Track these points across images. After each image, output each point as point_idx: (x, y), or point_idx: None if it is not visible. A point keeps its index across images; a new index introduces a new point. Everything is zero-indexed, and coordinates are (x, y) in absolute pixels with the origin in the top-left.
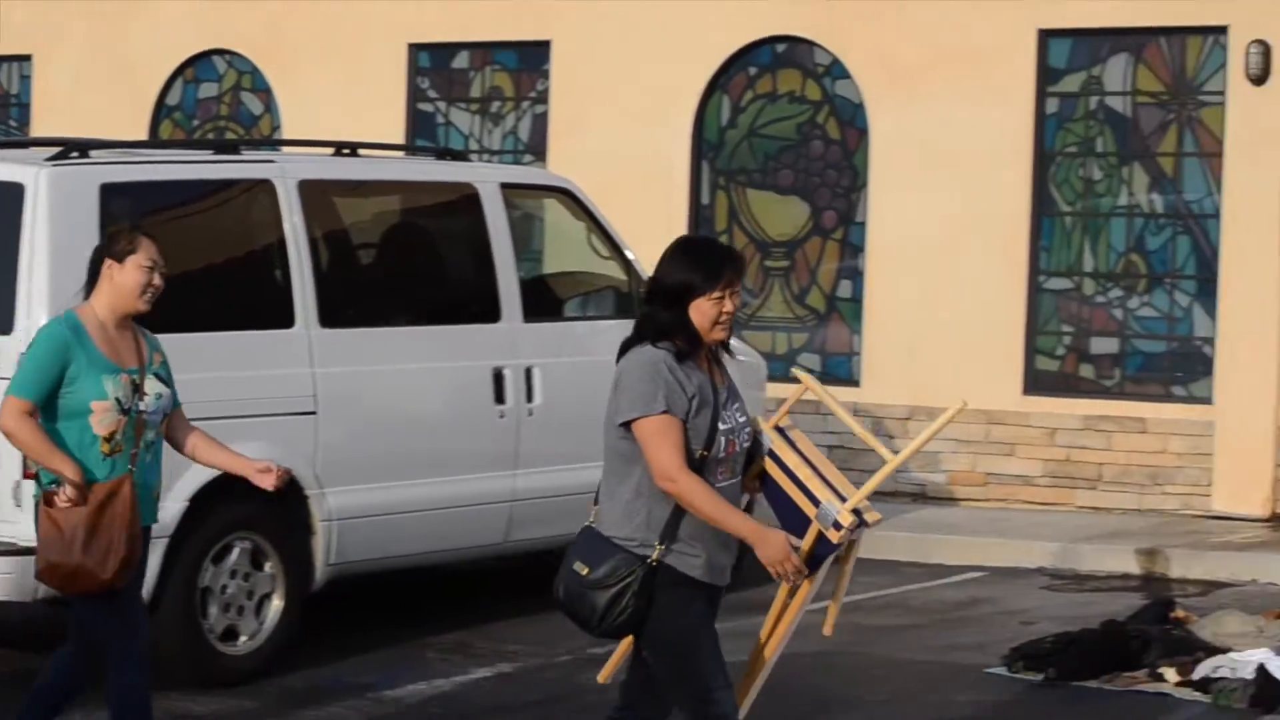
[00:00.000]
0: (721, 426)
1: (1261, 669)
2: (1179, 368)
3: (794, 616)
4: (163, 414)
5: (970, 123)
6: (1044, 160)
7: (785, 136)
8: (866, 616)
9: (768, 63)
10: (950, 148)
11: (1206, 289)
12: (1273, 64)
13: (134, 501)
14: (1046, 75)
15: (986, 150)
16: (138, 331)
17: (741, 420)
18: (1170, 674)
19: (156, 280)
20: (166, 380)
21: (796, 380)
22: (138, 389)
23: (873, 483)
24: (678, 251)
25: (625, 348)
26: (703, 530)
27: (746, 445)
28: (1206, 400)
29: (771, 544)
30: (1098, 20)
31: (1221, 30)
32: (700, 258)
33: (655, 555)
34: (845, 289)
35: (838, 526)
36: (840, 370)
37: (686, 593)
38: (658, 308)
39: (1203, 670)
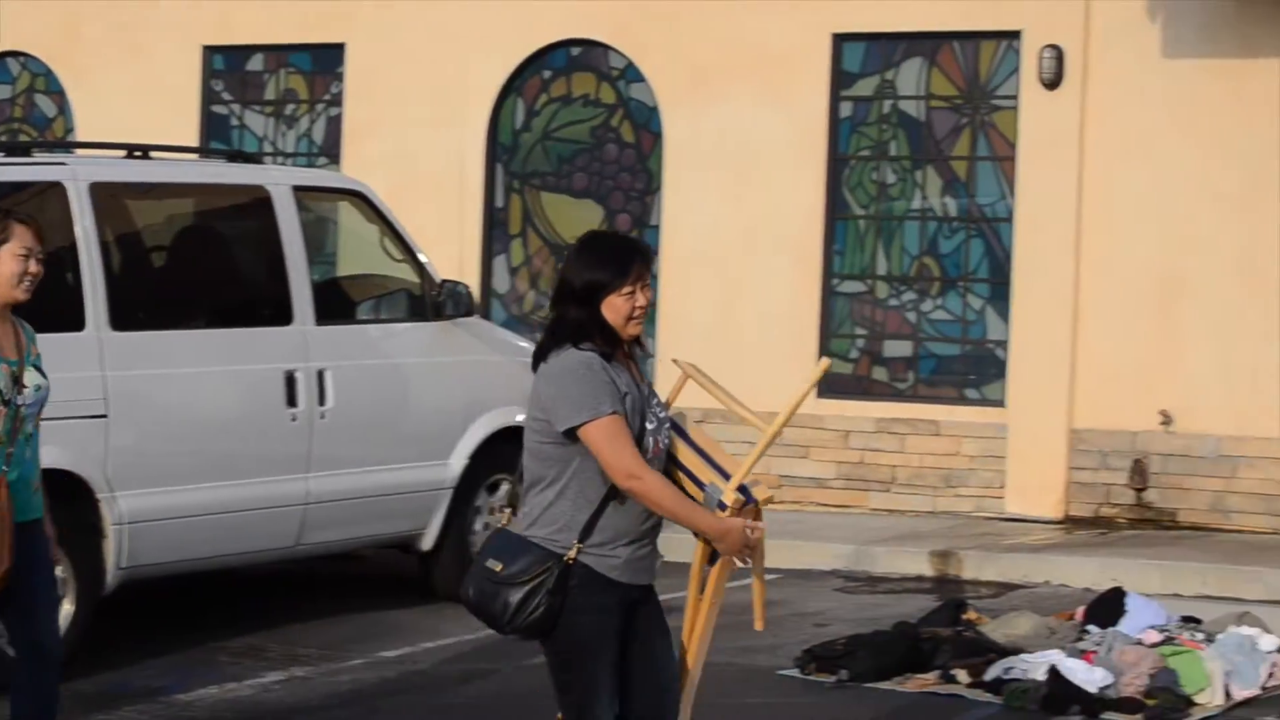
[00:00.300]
0: (649, 426)
1: (1053, 670)
2: (972, 370)
3: (708, 615)
4: (40, 406)
5: (764, 126)
6: (837, 164)
7: (579, 139)
8: None
9: (563, 66)
10: (744, 151)
11: (999, 292)
12: (1065, 69)
13: (10, 504)
14: (840, 79)
15: (780, 154)
16: (16, 323)
17: (663, 416)
18: (962, 675)
19: (33, 267)
20: (44, 373)
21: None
22: (17, 381)
23: (752, 458)
24: (583, 250)
25: (541, 352)
26: (624, 529)
27: (667, 444)
28: (999, 403)
29: (733, 535)
30: (892, 24)
31: (1015, 35)
32: (607, 253)
33: (572, 554)
34: None
35: (722, 507)
36: None
37: (601, 600)
38: (568, 309)
39: (994, 671)
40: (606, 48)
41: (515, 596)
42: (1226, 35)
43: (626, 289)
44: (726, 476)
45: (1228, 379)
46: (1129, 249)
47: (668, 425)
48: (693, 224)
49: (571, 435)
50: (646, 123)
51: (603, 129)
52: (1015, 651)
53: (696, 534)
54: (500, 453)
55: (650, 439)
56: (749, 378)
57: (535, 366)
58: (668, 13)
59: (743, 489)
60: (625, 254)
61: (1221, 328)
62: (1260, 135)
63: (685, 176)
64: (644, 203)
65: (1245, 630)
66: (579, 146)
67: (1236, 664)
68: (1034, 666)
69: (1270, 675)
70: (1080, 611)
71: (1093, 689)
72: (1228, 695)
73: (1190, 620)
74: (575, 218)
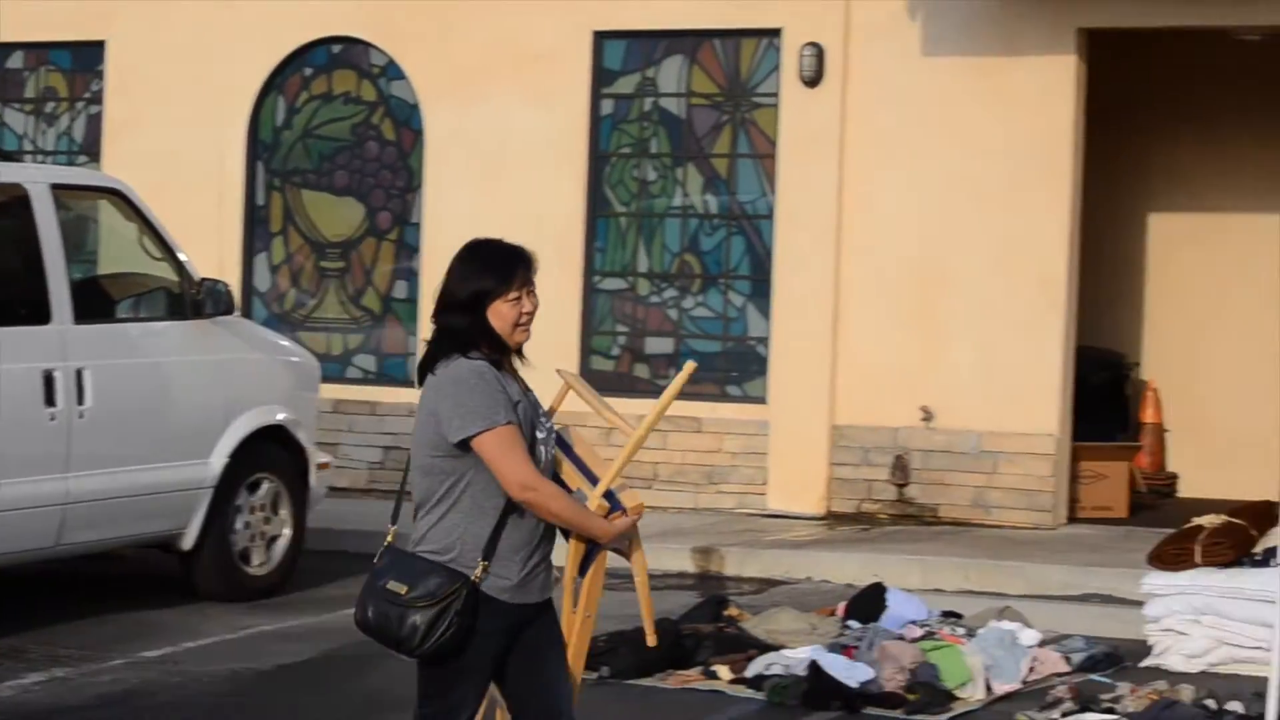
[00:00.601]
0: (539, 435)
1: (814, 666)
2: (734, 368)
3: (582, 627)
4: None
5: (525, 124)
6: (598, 161)
7: (340, 137)
8: None
9: (324, 63)
10: (505, 149)
11: (760, 289)
12: (825, 66)
13: None
14: (601, 76)
15: (541, 151)
16: None
17: (548, 425)
18: (723, 671)
19: None
20: None
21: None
22: None
23: (617, 464)
24: (466, 257)
25: (428, 363)
26: (520, 544)
27: (553, 453)
28: (761, 400)
29: (618, 533)
30: (652, 22)
31: (775, 33)
32: (491, 260)
33: (478, 572)
34: (401, 290)
35: None
36: (397, 371)
37: (491, 623)
38: (453, 317)
39: (756, 667)
40: (367, 45)
41: (424, 619)
42: (988, 33)
43: (512, 295)
44: (595, 483)
45: (988, 375)
46: (889, 246)
47: (553, 434)
48: (454, 221)
49: (465, 446)
50: (407, 120)
51: (363, 126)
52: (777, 647)
53: (581, 541)
54: (261, 451)
55: (541, 449)
56: None
57: (421, 379)
58: (428, 11)
59: (609, 495)
60: (509, 260)
61: (981, 325)
62: (1020, 132)
63: (446, 174)
64: (405, 200)
65: (1006, 625)
66: (340, 144)
67: (997, 658)
68: (795, 662)
69: (1030, 669)
70: (841, 607)
71: (854, 684)
72: (988, 689)
73: (951, 615)
74: (336, 215)
